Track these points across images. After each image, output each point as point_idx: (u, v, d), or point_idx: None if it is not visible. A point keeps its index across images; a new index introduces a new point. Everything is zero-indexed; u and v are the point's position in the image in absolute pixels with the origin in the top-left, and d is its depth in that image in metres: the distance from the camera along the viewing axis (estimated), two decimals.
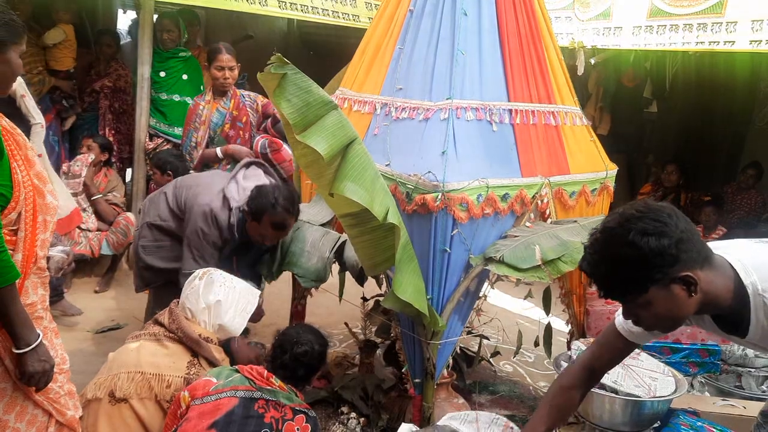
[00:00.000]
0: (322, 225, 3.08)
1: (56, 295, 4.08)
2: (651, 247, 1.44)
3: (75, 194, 4.63)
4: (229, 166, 4.09)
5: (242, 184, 3.06)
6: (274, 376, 2.21)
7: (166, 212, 3.20)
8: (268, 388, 2.18)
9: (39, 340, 1.76)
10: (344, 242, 2.93)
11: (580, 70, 4.86)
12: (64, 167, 4.72)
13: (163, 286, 3.24)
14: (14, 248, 1.74)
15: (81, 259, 4.63)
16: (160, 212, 3.22)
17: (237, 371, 2.21)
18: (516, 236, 2.66)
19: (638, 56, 5.86)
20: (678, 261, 1.45)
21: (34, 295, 1.80)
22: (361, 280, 3.03)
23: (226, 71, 4.05)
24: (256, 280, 3.20)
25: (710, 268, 1.51)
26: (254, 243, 3.07)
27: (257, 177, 3.17)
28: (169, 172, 4.17)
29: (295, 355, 2.28)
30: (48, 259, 1.87)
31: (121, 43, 5.71)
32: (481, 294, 2.88)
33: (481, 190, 2.56)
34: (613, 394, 2.41)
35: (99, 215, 4.76)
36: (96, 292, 4.71)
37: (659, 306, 1.50)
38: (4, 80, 1.74)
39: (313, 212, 3.14)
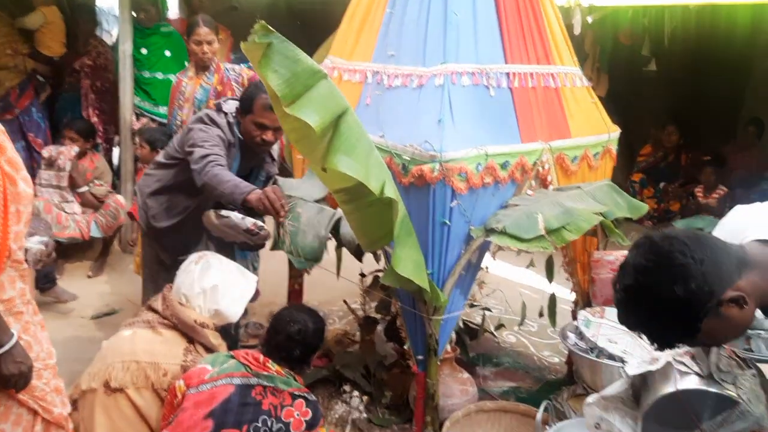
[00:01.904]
0: (317, 201, 2.99)
1: (48, 281, 4.02)
2: (680, 297, 1.35)
3: (59, 187, 4.52)
4: None
5: (235, 102, 3.03)
6: (270, 361, 2.15)
7: (167, 156, 3.10)
8: (265, 373, 2.13)
9: (13, 341, 1.68)
10: (340, 218, 2.85)
11: (577, 30, 4.74)
12: (46, 153, 4.60)
13: (157, 267, 3.15)
14: None
15: (72, 243, 4.56)
16: (160, 166, 3.12)
17: (232, 357, 2.17)
18: (517, 205, 2.60)
19: (636, 13, 5.73)
20: (714, 290, 1.36)
21: (11, 290, 1.72)
22: (359, 255, 2.98)
23: (204, 45, 3.93)
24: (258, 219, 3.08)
25: (749, 268, 1.42)
26: (252, 150, 2.98)
27: None
28: (158, 149, 4.06)
29: (289, 334, 2.23)
30: (26, 251, 1.78)
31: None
32: (482, 266, 2.83)
33: (480, 158, 2.50)
34: (622, 365, 2.36)
35: (85, 203, 4.67)
36: (89, 276, 4.65)
37: (719, 331, 1.42)
38: None
39: (306, 188, 3.05)
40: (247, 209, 2.68)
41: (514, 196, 2.67)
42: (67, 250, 4.67)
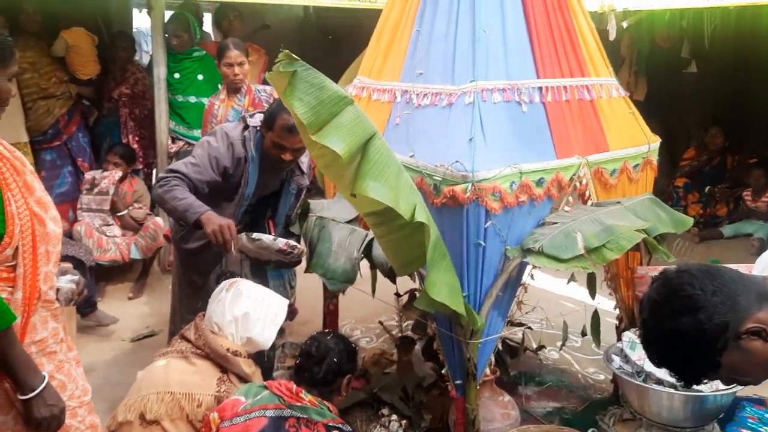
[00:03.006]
0: (348, 222, 2.96)
1: (89, 306, 4.08)
2: (691, 328, 1.34)
3: (101, 210, 4.63)
4: None
5: (262, 116, 3.02)
6: (303, 391, 2.12)
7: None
8: (299, 404, 2.09)
9: (44, 384, 1.67)
10: (372, 240, 2.82)
11: (612, 35, 4.63)
12: (88, 177, 4.68)
13: (194, 291, 3.14)
14: (13, 286, 1.64)
15: (113, 265, 4.63)
16: None
17: (265, 387, 2.14)
18: (555, 223, 2.53)
19: (673, 15, 5.56)
20: (727, 322, 1.33)
21: (43, 330, 1.72)
22: (392, 277, 2.93)
23: (235, 67, 3.95)
24: (293, 238, 3.14)
25: None
26: (274, 164, 2.96)
27: None
28: None
29: (319, 362, 2.22)
30: (57, 290, 1.77)
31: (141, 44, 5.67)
32: (521, 283, 2.75)
33: (513, 176, 2.44)
34: (672, 390, 2.24)
35: (123, 227, 4.75)
36: (129, 298, 4.71)
37: (745, 366, 1.37)
38: None
39: (338, 209, 3.03)
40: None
41: (551, 213, 2.61)
42: (108, 273, 4.76)
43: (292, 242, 2.93)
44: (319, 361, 2.21)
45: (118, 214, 4.68)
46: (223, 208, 2.95)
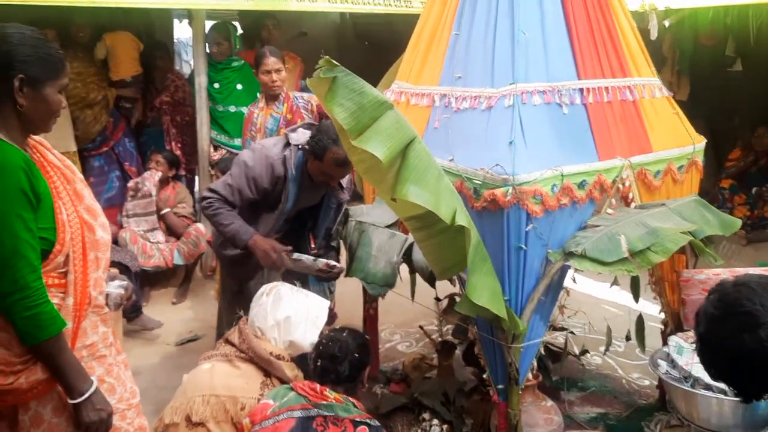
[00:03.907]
0: (388, 227, 2.97)
1: (135, 311, 4.16)
2: (750, 345, 1.33)
3: (146, 214, 4.72)
4: None
5: (305, 132, 3.02)
6: (327, 389, 2.15)
7: None
8: (324, 402, 2.13)
9: (93, 389, 1.71)
10: (412, 244, 2.82)
11: (654, 35, 4.55)
12: (131, 184, 4.79)
13: (234, 295, 3.19)
14: (65, 292, 1.69)
15: (157, 271, 4.73)
16: None
17: (291, 389, 2.17)
18: (598, 226, 2.50)
19: (717, 12, 5.42)
20: None
21: (94, 335, 1.76)
22: (432, 282, 2.93)
23: (273, 74, 3.99)
24: (333, 252, 3.19)
25: None
26: (315, 183, 3.00)
27: None
28: None
29: (332, 355, 2.24)
30: (106, 296, 1.82)
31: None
32: (563, 287, 2.73)
33: (555, 179, 2.42)
34: (721, 396, 2.18)
35: (169, 229, 4.83)
36: (173, 303, 4.79)
37: None
38: (41, 118, 1.69)
39: (377, 214, 3.04)
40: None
41: (594, 216, 2.58)
42: (152, 278, 4.85)
43: (332, 262, 2.97)
44: (343, 360, 2.25)
45: (162, 212, 4.75)
46: (263, 220, 3.02)
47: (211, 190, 2.93)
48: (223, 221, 2.88)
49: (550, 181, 2.40)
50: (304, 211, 3.17)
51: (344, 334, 2.32)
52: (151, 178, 4.74)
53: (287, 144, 2.99)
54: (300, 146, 2.96)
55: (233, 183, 2.91)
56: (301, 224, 3.24)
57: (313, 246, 3.32)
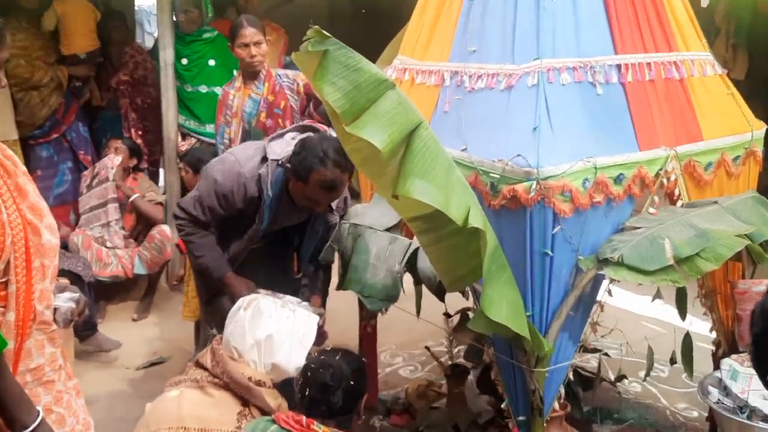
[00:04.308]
0: (388, 230, 2.97)
1: (88, 328, 4.18)
2: None
3: (103, 204, 4.73)
4: None
5: (288, 141, 3.01)
6: (315, 422, 2.15)
7: None
8: None
9: (39, 420, 1.70)
10: (417, 250, 2.83)
11: (705, 2, 4.55)
12: (87, 172, 4.79)
13: (214, 309, 3.20)
14: (5, 306, 1.68)
15: (115, 282, 4.74)
16: None
17: (273, 421, 2.16)
18: (637, 228, 2.52)
19: None
20: None
21: (39, 357, 1.76)
22: (441, 294, 2.94)
23: (251, 48, 3.99)
24: (323, 271, 3.21)
25: None
26: (300, 209, 3.02)
27: None
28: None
29: (323, 383, 2.23)
30: (54, 310, 1.82)
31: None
32: (596, 300, 2.75)
33: (587, 172, 2.43)
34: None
35: (142, 219, 4.84)
36: (134, 320, 4.80)
37: None
38: None
39: (375, 214, 3.04)
40: None
41: (633, 216, 2.60)
42: (109, 290, 4.86)
43: (318, 309, 3.02)
44: (336, 389, 2.23)
45: (131, 198, 4.77)
46: (236, 238, 3.07)
47: (182, 209, 3.00)
48: (194, 251, 3.03)
49: (581, 174, 2.41)
50: (288, 228, 3.19)
51: (337, 358, 2.31)
52: (110, 160, 4.74)
53: (264, 159, 2.96)
54: (280, 162, 2.93)
55: (203, 200, 2.96)
56: (285, 238, 3.24)
57: (296, 270, 3.32)
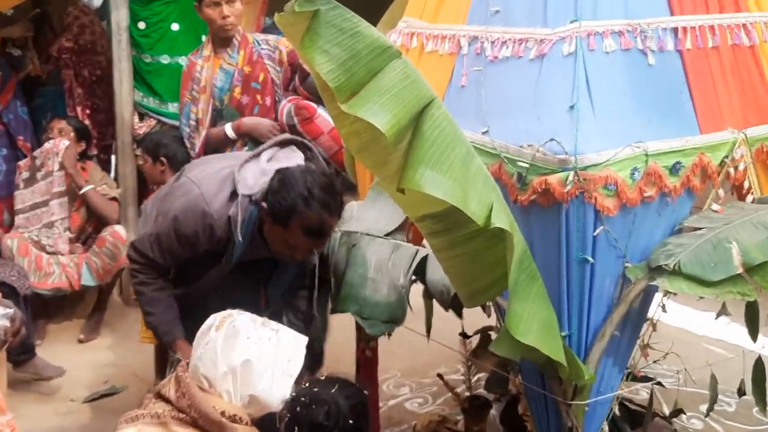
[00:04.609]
0: (388, 235, 2.98)
1: (25, 351, 4.19)
2: None
3: (49, 200, 4.75)
4: (246, 149, 4.05)
5: (264, 167, 2.99)
6: None
7: None
8: None
9: None
10: (426, 257, 2.85)
11: None
12: (24, 163, 4.80)
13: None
14: None
15: (57, 296, 4.74)
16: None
17: None
18: (698, 229, 2.53)
19: None
20: None
21: None
22: (457, 310, 2.94)
23: (223, 6, 4.01)
24: (305, 322, 3.18)
25: None
26: (276, 257, 3.03)
27: (291, 161, 3.08)
28: (162, 159, 4.19)
29: (315, 424, 2.24)
30: None
31: None
32: (647, 318, 2.78)
33: (636, 161, 2.44)
34: None
35: (94, 215, 4.86)
36: (80, 341, 4.83)
37: None
38: None
39: (372, 217, 3.05)
40: None
41: (692, 215, 2.61)
42: (50, 305, 4.88)
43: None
44: (332, 430, 2.25)
45: (82, 190, 4.77)
46: (197, 280, 3.11)
47: (137, 251, 3.05)
48: (145, 306, 3.14)
49: (629, 163, 2.41)
50: (258, 263, 3.18)
51: (333, 391, 2.31)
52: (55, 146, 4.75)
53: (233, 194, 2.92)
54: (253, 198, 2.90)
55: (161, 240, 2.99)
56: (257, 279, 3.24)
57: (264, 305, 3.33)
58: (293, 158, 3.08)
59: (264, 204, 2.87)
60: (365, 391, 2.44)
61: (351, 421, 2.26)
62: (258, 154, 3.03)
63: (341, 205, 2.90)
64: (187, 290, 3.13)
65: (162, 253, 3.00)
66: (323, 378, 2.41)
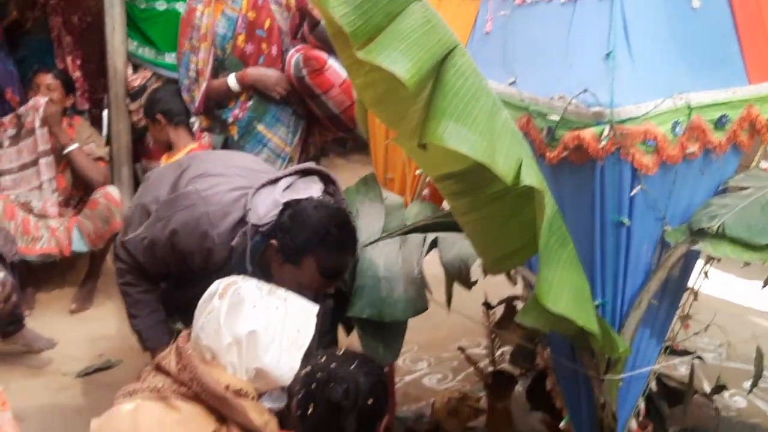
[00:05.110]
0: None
1: (13, 323, 4.20)
2: None
3: (36, 160, 4.77)
4: (251, 103, 4.04)
5: (279, 197, 2.99)
6: None
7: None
8: None
9: None
10: (434, 240, 2.92)
11: None
12: (7, 122, 4.81)
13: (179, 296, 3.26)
14: None
15: (46, 262, 4.78)
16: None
17: None
18: (745, 189, 2.53)
19: None
20: None
21: None
22: (467, 283, 3.04)
23: None
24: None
25: None
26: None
27: (309, 193, 3.07)
28: (158, 117, 4.18)
29: (333, 402, 2.24)
30: None
31: None
32: (687, 286, 2.79)
33: (678, 114, 2.43)
34: None
35: (79, 177, 4.87)
36: (72, 311, 4.87)
37: None
38: None
39: (367, 223, 3.10)
40: None
41: (739, 173, 2.60)
42: (39, 273, 4.91)
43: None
44: (350, 410, 2.25)
45: (66, 150, 4.79)
46: (191, 286, 3.03)
47: (126, 251, 3.11)
48: (129, 308, 3.27)
49: (670, 116, 2.40)
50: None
51: (352, 367, 2.30)
52: (36, 103, 4.75)
53: (241, 221, 2.93)
54: (262, 229, 2.91)
55: (155, 247, 3.04)
56: None
57: None
58: (311, 189, 3.08)
59: (274, 241, 2.89)
60: (385, 369, 2.46)
61: (370, 401, 2.25)
62: (275, 180, 3.04)
63: (356, 243, 2.94)
64: (180, 292, 3.17)
65: (154, 260, 3.08)
66: (341, 353, 2.39)
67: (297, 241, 2.82)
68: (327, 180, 3.15)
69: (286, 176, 3.08)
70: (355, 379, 2.26)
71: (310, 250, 2.81)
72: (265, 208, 2.94)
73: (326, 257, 2.82)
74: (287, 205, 2.91)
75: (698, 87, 2.46)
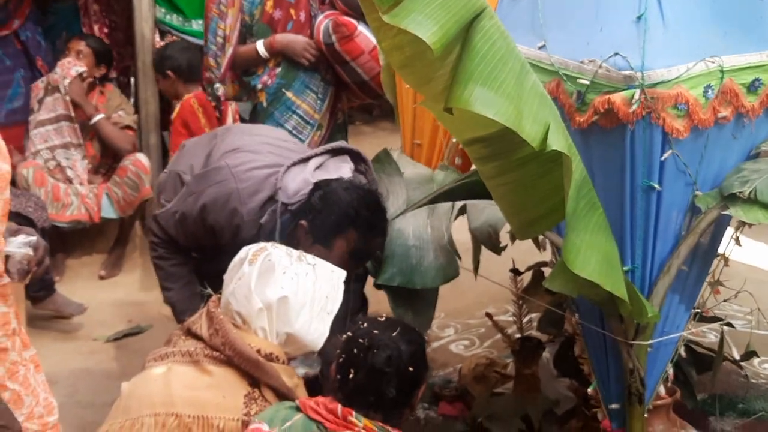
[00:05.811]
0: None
1: (43, 287, 4.26)
2: None
3: (57, 119, 4.82)
4: (279, 69, 4.05)
5: (310, 176, 3.02)
6: (353, 413, 2.18)
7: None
8: None
9: None
10: (463, 206, 2.93)
11: None
12: (38, 86, 4.84)
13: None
14: None
15: (76, 228, 4.83)
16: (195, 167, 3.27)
17: (298, 409, 2.20)
18: None
19: None
20: None
21: None
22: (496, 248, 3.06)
23: None
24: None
25: None
26: None
27: (340, 173, 3.10)
28: (168, 73, 4.21)
29: (375, 367, 2.24)
30: (6, 258, 1.86)
31: None
32: (718, 252, 2.78)
33: (710, 77, 2.40)
34: None
35: (107, 146, 4.93)
36: (101, 277, 4.94)
37: None
38: None
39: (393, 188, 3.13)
40: None
41: None
42: (69, 239, 4.97)
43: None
44: (392, 377, 2.25)
45: (93, 120, 4.83)
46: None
47: (159, 226, 3.17)
48: (163, 280, 3.31)
49: (702, 79, 2.38)
50: None
51: (394, 334, 2.30)
52: (63, 66, 4.79)
53: (270, 199, 2.97)
54: (291, 207, 2.94)
55: (186, 221, 3.09)
56: None
57: None
58: (342, 169, 3.11)
59: (303, 222, 2.91)
60: (425, 337, 2.46)
61: (411, 369, 2.26)
62: (306, 159, 3.07)
63: (387, 225, 2.95)
64: (210, 265, 3.14)
65: (185, 234, 3.13)
66: (382, 319, 2.39)
67: (327, 222, 2.85)
68: (358, 159, 3.17)
69: (317, 155, 3.11)
70: (398, 347, 2.27)
71: (341, 232, 2.85)
72: (296, 186, 2.97)
73: (357, 239, 2.84)
74: (318, 185, 2.94)
75: (731, 50, 2.43)
